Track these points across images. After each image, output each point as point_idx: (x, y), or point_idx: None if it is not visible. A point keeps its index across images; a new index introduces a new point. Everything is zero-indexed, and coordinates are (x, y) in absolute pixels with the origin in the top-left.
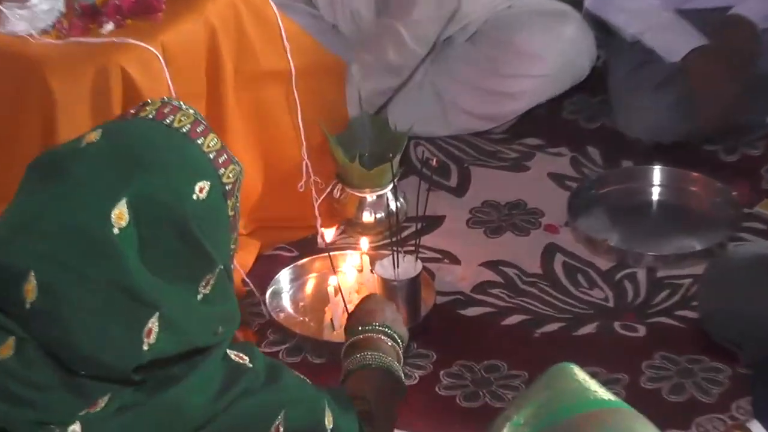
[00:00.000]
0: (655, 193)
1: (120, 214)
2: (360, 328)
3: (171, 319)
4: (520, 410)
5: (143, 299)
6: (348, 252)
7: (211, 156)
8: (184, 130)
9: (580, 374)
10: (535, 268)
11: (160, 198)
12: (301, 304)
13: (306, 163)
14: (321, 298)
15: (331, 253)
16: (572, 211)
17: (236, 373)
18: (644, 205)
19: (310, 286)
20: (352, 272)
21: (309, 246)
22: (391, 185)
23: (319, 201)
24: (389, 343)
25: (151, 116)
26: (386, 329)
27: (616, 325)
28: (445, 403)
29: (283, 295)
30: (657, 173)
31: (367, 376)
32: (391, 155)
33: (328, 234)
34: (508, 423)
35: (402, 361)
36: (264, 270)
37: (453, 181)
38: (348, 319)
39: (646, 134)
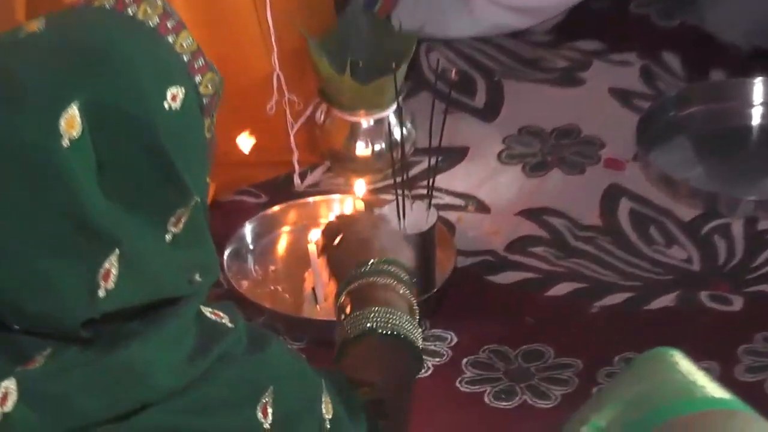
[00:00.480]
0: (756, 116)
1: (70, 121)
2: (355, 271)
3: (134, 259)
4: (600, 410)
5: (99, 231)
6: (335, 197)
7: (185, 58)
8: (152, 23)
9: (684, 363)
10: (593, 219)
11: (122, 104)
12: (272, 268)
13: (278, 75)
14: (299, 260)
15: (312, 199)
16: (643, 140)
17: (213, 332)
18: (741, 133)
19: (283, 244)
20: None
21: (282, 189)
22: (394, 106)
23: (296, 127)
24: (400, 290)
25: (108, 5)
26: (390, 266)
27: (703, 295)
28: (469, 402)
29: (247, 256)
30: (758, 89)
31: (374, 349)
32: (394, 65)
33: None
34: (583, 427)
35: (416, 310)
36: (221, 222)
37: (479, 100)
38: (331, 255)
39: (743, 37)
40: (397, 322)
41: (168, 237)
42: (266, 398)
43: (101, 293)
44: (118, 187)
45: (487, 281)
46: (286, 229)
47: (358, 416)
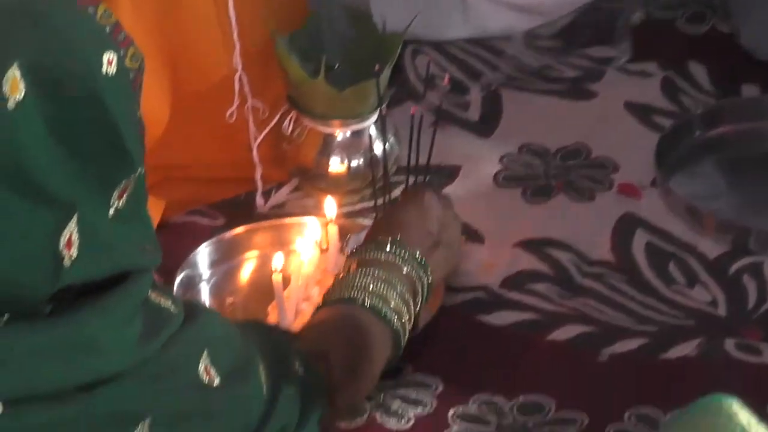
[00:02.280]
0: None
1: (13, 83)
2: (370, 244)
3: (90, 227)
4: None
5: (55, 195)
6: (304, 220)
7: (108, 29)
8: None
9: (742, 414)
10: (604, 253)
11: (64, 64)
12: (230, 300)
13: (240, 78)
14: (261, 292)
15: (276, 221)
16: (664, 164)
17: (159, 317)
18: None
19: (243, 273)
20: (310, 251)
21: (242, 210)
22: (375, 116)
23: (260, 138)
24: (412, 275)
25: None
26: (414, 261)
27: (729, 344)
28: None
29: (200, 286)
30: None
31: (341, 319)
32: (376, 68)
33: (275, 192)
34: None
35: (421, 299)
36: (171, 245)
37: (474, 112)
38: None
39: None
40: (384, 293)
41: (111, 212)
42: (204, 360)
43: (67, 262)
44: (68, 152)
45: (478, 321)
46: (246, 255)
47: (308, 397)
